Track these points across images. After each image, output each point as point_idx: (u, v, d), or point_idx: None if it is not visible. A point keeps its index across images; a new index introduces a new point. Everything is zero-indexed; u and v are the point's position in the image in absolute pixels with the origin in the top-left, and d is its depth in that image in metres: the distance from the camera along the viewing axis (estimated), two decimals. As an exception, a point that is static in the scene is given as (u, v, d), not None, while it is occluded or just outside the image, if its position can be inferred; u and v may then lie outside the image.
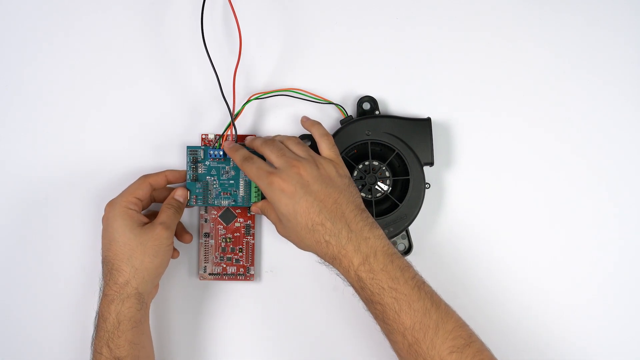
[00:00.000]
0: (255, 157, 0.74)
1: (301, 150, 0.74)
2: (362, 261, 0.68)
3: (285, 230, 0.73)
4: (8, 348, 0.81)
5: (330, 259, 0.70)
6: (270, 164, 0.73)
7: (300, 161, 0.71)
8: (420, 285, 0.68)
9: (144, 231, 0.73)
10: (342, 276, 0.70)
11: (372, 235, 0.69)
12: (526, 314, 0.80)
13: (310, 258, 0.74)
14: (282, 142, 0.75)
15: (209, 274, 0.80)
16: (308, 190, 0.70)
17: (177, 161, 0.81)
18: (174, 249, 0.78)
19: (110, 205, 0.75)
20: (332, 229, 0.69)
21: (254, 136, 0.79)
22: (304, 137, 0.80)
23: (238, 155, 0.75)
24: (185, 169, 0.80)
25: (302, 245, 0.72)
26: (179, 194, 0.78)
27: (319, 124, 0.77)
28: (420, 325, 0.66)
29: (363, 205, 0.72)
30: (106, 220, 0.74)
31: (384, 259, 0.68)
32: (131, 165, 0.81)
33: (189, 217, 0.82)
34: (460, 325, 0.67)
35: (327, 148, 0.74)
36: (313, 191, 0.70)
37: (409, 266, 0.69)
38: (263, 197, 0.78)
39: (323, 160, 0.73)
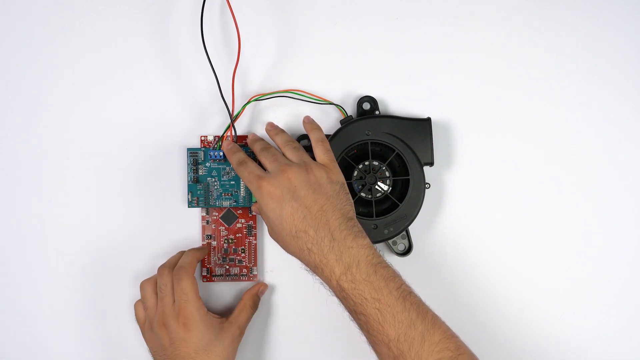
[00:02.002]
0: (249, 161, 0.75)
1: (295, 156, 0.73)
2: (343, 271, 0.68)
3: (274, 234, 0.73)
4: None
5: (313, 267, 0.70)
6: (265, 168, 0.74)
7: (291, 166, 0.71)
8: (405, 296, 0.67)
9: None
10: (325, 285, 0.70)
11: (356, 244, 0.69)
12: (526, 314, 0.81)
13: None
14: (280, 146, 0.76)
15: (212, 276, 0.81)
16: (294, 196, 0.70)
17: (178, 163, 0.81)
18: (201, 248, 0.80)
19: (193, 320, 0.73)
20: (314, 236, 0.69)
21: (255, 135, 0.79)
22: (302, 138, 0.80)
23: (234, 159, 0.76)
24: (186, 177, 0.80)
25: (287, 250, 0.72)
26: (262, 290, 0.81)
27: (317, 129, 0.77)
28: (405, 337, 0.65)
29: (352, 214, 0.71)
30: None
31: (367, 269, 0.67)
32: (131, 168, 0.81)
33: (189, 218, 0.81)
34: (448, 337, 0.66)
35: (321, 153, 0.74)
36: (300, 196, 0.70)
37: (394, 276, 0.68)
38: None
39: (315, 165, 0.72)
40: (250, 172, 0.73)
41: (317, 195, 0.70)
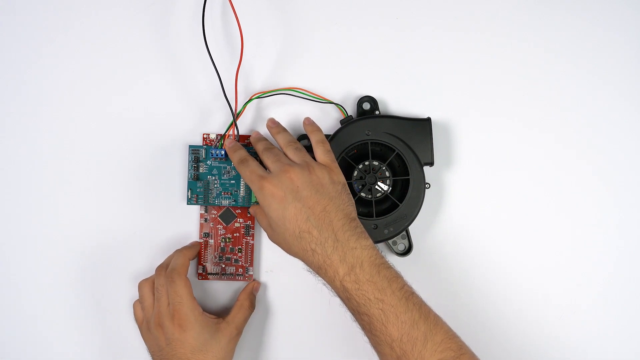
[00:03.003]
0: (251, 160, 0.75)
1: (297, 156, 0.73)
2: (347, 271, 0.67)
3: (275, 235, 0.73)
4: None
5: (316, 268, 0.70)
6: (267, 168, 0.74)
7: (293, 166, 0.71)
8: (408, 297, 0.67)
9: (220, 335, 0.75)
10: (328, 286, 0.70)
11: (359, 245, 0.68)
12: (526, 314, 0.80)
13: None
14: (282, 146, 0.76)
15: (208, 274, 0.80)
16: (297, 196, 0.69)
17: (179, 161, 0.81)
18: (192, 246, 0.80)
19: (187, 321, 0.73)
20: (318, 237, 0.68)
21: (258, 133, 0.79)
22: (302, 138, 0.80)
23: (236, 156, 0.76)
24: (186, 174, 0.80)
25: (290, 251, 0.72)
26: (256, 287, 0.81)
27: (318, 130, 0.77)
28: (408, 337, 0.65)
29: (354, 214, 0.71)
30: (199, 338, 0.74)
31: (370, 269, 0.67)
32: (132, 166, 0.81)
33: (188, 216, 0.81)
34: (450, 337, 0.66)
35: (322, 154, 0.74)
36: (302, 197, 0.69)
37: (397, 277, 0.68)
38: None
39: (317, 165, 0.72)
40: (252, 171, 0.73)
41: (319, 195, 0.70)
